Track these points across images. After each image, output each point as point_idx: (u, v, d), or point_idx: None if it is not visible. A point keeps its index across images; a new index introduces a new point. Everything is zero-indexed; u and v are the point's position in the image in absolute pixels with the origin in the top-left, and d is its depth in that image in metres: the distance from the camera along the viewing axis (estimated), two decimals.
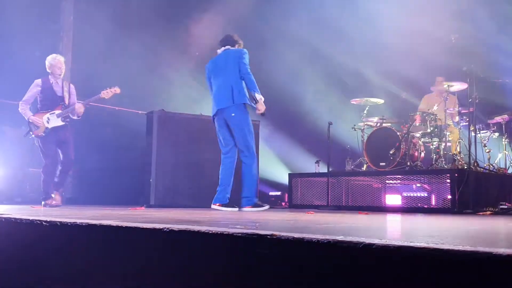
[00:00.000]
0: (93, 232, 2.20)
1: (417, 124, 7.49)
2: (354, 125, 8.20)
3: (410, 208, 6.65)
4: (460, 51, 7.66)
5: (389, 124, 8.02)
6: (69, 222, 2.28)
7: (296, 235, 1.60)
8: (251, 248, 1.68)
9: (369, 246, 1.47)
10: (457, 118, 7.80)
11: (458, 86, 7.53)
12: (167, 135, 7.48)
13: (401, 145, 7.18)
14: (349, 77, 9.40)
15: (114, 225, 2.14)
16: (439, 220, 3.76)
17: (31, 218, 2.51)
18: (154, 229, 2.00)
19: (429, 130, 7.42)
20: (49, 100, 6.70)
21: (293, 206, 7.49)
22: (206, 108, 7.46)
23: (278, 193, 9.58)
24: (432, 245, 1.37)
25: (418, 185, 7.31)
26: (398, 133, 7.33)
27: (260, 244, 1.65)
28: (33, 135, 6.62)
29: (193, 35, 9.30)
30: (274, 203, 9.27)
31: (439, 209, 6.39)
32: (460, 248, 1.31)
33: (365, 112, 8.22)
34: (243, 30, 9.19)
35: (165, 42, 9.30)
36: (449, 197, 6.27)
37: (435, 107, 7.71)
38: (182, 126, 7.61)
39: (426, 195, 7.06)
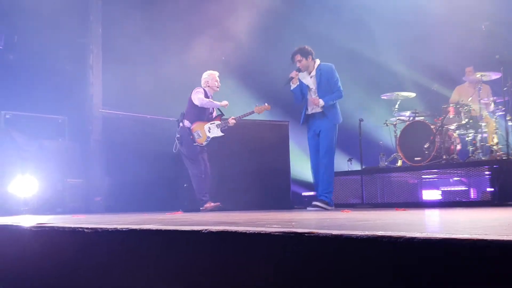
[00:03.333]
0: (134, 237, 2.24)
1: (451, 116, 7.34)
2: (386, 120, 8.11)
3: (448, 203, 6.56)
4: (491, 38, 7.49)
5: (422, 117, 7.89)
6: (110, 228, 2.32)
7: (335, 232, 1.59)
8: (290, 247, 1.68)
9: (411, 240, 1.45)
10: (492, 108, 7.57)
11: (491, 75, 7.37)
12: None
13: (436, 139, 7.06)
14: (378, 71, 9.30)
15: (154, 229, 2.17)
16: (480, 212, 3.69)
17: (73, 226, 2.56)
18: (193, 231, 2.02)
19: (463, 122, 7.27)
20: (205, 112, 7.12)
21: None
22: (237, 112, 7.52)
23: (312, 193, 9.52)
24: (475, 236, 1.34)
25: (456, 178, 7.19)
26: (432, 127, 7.21)
27: (298, 242, 1.65)
28: (195, 143, 6.99)
29: (219, 40, 9.36)
30: (308, 204, 9.21)
31: (479, 202, 6.28)
32: (505, 238, 1.28)
33: (396, 106, 8.12)
34: (267, 30, 9.23)
35: (193, 48, 9.39)
36: (489, 189, 6.14)
37: (469, 99, 7.55)
38: None
39: (464, 188, 6.95)
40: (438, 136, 7.09)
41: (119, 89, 8.84)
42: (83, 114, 9.33)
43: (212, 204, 6.87)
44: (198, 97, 7.01)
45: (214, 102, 7.16)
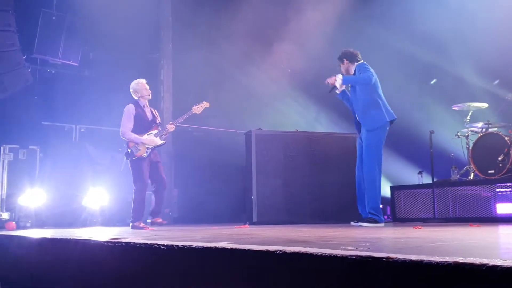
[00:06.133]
0: (208, 255, 2.29)
1: None
2: (458, 132, 7.87)
3: None
4: None
5: (496, 129, 7.60)
6: (186, 246, 2.39)
7: (414, 258, 1.57)
8: (366, 272, 1.67)
9: (493, 268, 1.41)
10: None
11: None
12: (265, 153, 7.59)
13: (510, 151, 6.78)
14: (449, 81, 9.05)
15: (228, 247, 2.21)
16: None
17: (149, 242, 2.64)
18: (267, 252, 2.04)
19: None
20: (140, 125, 6.76)
21: (397, 219, 7.31)
22: (301, 124, 7.52)
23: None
24: None
25: None
26: (506, 138, 6.93)
27: (376, 268, 1.64)
28: (135, 158, 6.63)
29: (284, 54, 9.43)
30: None
31: None
32: None
33: (468, 117, 7.88)
34: (336, 42, 9.18)
35: (259, 62, 9.50)
36: None
37: None
38: (279, 143, 7.70)
39: None
40: None
41: (188, 102, 9.07)
42: None
43: (142, 224, 6.50)
44: (121, 130, 6.65)
45: (136, 137, 6.63)
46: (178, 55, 9.68)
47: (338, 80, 5.76)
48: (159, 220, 6.70)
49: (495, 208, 6.81)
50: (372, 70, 6.00)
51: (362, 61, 6.15)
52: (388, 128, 5.97)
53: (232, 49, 9.65)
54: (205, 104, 6.98)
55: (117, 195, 8.52)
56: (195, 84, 8.95)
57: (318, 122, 9.91)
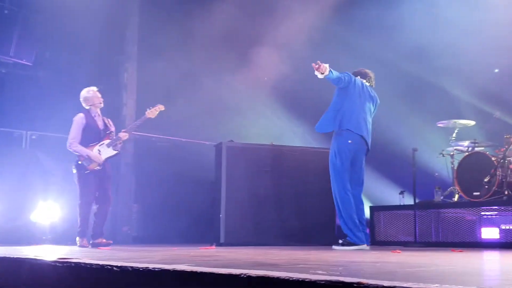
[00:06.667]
0: (166, 278, 2.26)
1: None
2: (442, 150, 8.00)
3: (509, 243, 6.38)
4: None
5: (482, 148, 7.76)
6: (141, 268, 2.36)
7: (386, 283, 1.58)
8: None
9: None
10: None
11: None
12: (237, 167, 7.56)
13: (497, 172, 6.91)
14: (434, 97, 9.20)
15: (188, 270, 2.19)
16: None
17: (101, 263, 2.61)
18: (231, 275, 2.03)
19: None
20: (92, 134, 6.76)
21: (376, 242, 7.36)
22: (277, 136, 7.50)
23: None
24: None
25: None
26: (492, 158, 7.07)
27: None
28: (87, 171, 6.63)
29: (260, 61, 9.47)
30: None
31: None
32: None
33: (453, 135, 8.01)
34: (317, 50, 9.29)
35: (233, 69, 9.52)
36: None
37: None
38: (252, 157, 7.68)
39: None
40: (500, 169, 6.94)
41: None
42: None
43: (85, 241, 6.59)
44: (68, 141, 6.72)
45: (82, 150, 6.66)
46: (144, 58, 9.63)
47: (326, 70, 5.76)
48: (103, 240, 6.66)
49: (480, 233, 6.92)
50: (356, 83, 6.25)
51: (365, 80, 6.46)
52: (354, 144, 6.19)
53: (204, 55, 9.65)
54: (160, 107, 7.01)
55: (70, 210, 8.36)
56: (161, 91, 8.88)
57: (296, 135, 9.96)
